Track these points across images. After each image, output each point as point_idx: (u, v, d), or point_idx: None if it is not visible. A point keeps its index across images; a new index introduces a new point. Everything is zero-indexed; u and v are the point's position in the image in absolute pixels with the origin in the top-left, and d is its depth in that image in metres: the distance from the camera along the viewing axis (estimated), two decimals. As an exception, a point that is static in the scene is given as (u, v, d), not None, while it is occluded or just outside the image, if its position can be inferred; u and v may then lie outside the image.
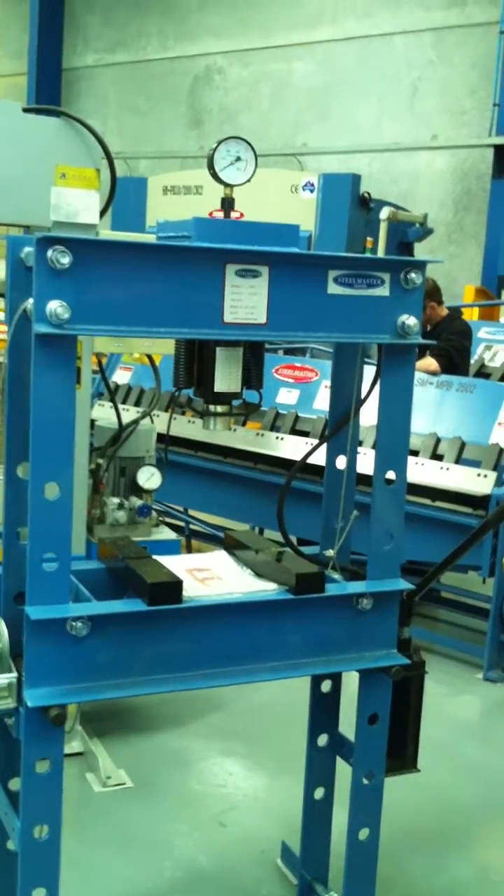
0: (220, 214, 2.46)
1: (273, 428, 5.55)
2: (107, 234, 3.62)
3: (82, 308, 2.09)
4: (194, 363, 2.47)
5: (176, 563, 2.56)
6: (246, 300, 2.27)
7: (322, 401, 5.47)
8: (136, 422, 4.05)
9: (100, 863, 3.19)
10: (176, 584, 2.35)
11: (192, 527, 6.57)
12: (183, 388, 2.49)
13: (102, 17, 14.92)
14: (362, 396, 2.74)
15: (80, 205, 3.16)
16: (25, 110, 3.45)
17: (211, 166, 2.39)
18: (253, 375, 2.53)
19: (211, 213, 5.46)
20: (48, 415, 2.12)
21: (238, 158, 2.42)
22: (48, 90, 14.73)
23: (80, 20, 15.12)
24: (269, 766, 3.93)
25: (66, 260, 2.05)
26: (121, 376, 6.40)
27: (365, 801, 2.71)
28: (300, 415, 5.53)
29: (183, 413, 5.69)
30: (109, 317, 2.14)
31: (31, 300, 2.10)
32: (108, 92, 14.87)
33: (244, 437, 5.52)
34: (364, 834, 2.72)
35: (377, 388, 2.54)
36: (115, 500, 3.88)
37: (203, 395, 2.51)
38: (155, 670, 2.34)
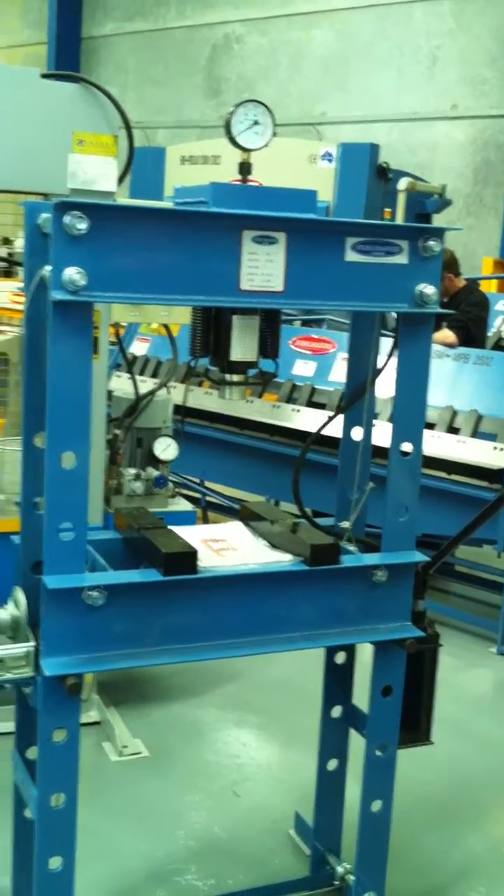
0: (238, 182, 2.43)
1: (289, 400, 5.53)
2: (124, 201, 3.59)
3: (99, 274, 2.06)
4: (210, 332, 2.45)
5: (191, 534, 2.55)
6: (262, 267, 2.24)
7: (338, 373, 5.43)
8: (152, 392, 4.03)
9: (115, 832, 3.21)
10: (191, 555, 2.34)
11: (207, 498, 6.57)
12: (199, 356, 2.47)
13: (122, -16, 14.79)
14: (379, 367, 2.72)
15: (97, 172, 3.14)
16: (44, 76, 3.42)
17: (228, 130, 2.36)
18: (269, 344, 2.50)
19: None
20: (65, 383, 2.10)
21: (256, 122, 2.38)
22: (67, 59, 14.62)
23: (97, -12, 14.99)
24: (283, 737, 3.94)
25: (82, 226, 2.03)
26: (138, 347, 6.37)
27: (378, 774, 2.71)
28: (316, 387, 5.50)
29: (199, 384, 5.67)
30: (126, 283, 2.12)
31: (47, 267, 2.08)
32: (127, 61, 14.75)
33: (260, 409, 5.50)
34: (377, 806, 2.72)
35: (394, 358, 2.52)
36: (132, 471, 3.87)
37: (219, 363, 2.49)
38: (170, 640, 2.33)
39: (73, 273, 2.04)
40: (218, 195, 2.25)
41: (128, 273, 2.11)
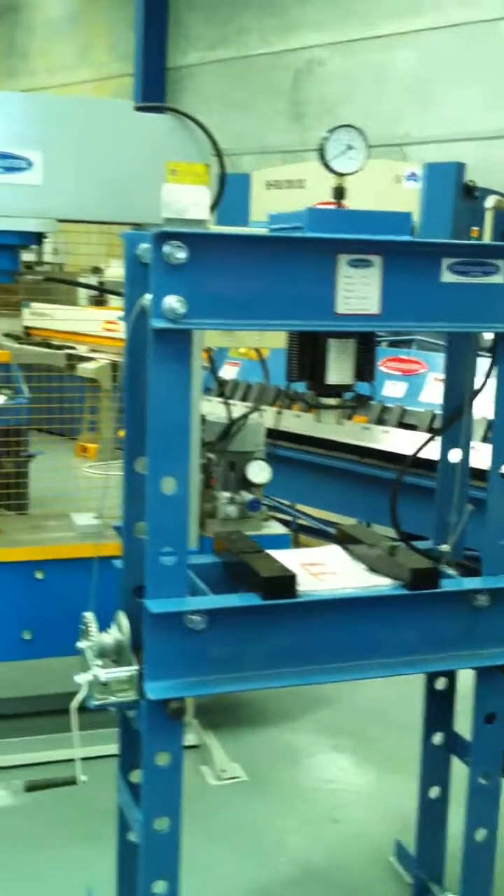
0: (326, 206, 2.44)
1: (379, 421, 5.50)
2: (218, 229, 3.63)
3: (198, 302, 2.09)
4: (306, 356, 2.45)
5: (289, 558, 2.55)
6: (359, 290, 2.24)
7: (429, 393, 5.38)
8: (245, 416, 4.05)
9: (215, 856, 3.21)
10: (290, 579, 2.34)
11: (298, 521, 6.56)
12: (295, 381, 2.48)
13: (205, 15, 14.99)
14: (476, 388, 2.69)
15: (190, 200, 3.16)
16: (137, 108, 3.49)
17: (322, 155, 2.37)
18: (365, 367, 2.50)
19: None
20: (165, 410, 2.13)
21: (349, 147, 2.39)
22: (153, 90, 14.88)
23: (183, 20, 15.23)
24: (379, 762, 3.89)
25: (182, 255, 2.06)
26: (227, 371, 6.42)
27: (482, 802, 2.65)
28: (407, 408, 5.46)
29: (289, 407, 5.68)
30: (224, 310, 2.14)
31: (147, 296, 2.11)
32: (211, 89, 14.94)
33: (350, 431, 5.48)
34: (481, 835, 2.67)
35: (492, 378, 2.49)
36: (226, 495, 3.89)
37: (315, 387, 2.49)
38: (270, 665, 2.33)
39: (172, 301, 2.06)
40: (314, 220, 2.26)
41: (226, 300, 2.14)
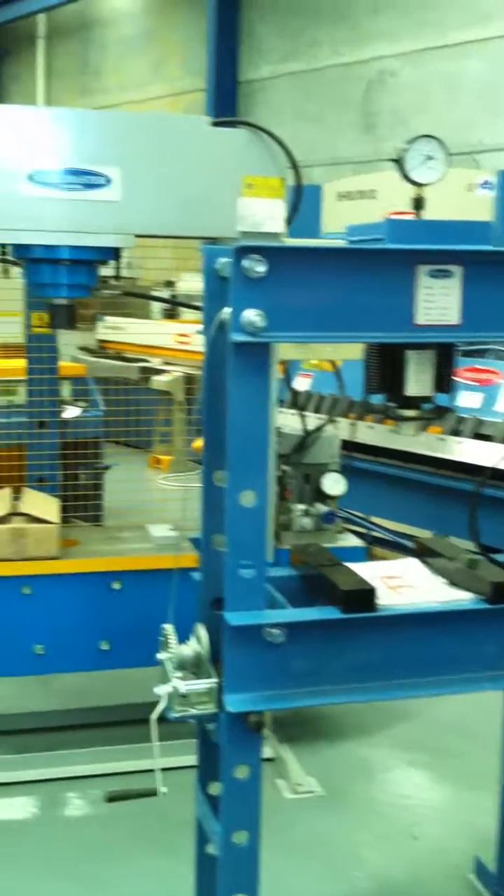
0: (399, 217, 2.43)
1: (454, 432, 5.43)
2: (293, 241, 3.64)
3: (277, 315, 2.09)
4: (385, 368, 2.44)
5: (367, 571, 2.53)
6: (438, 301, 2.22)
7: (506, 404, 5.31)
8: (319, 428, 4.04)
9: (291, 870, 3.20)
10: (370, 592, 2.32)
11: (373, 533, 6.52)
12: (374, 393, 2.46)
13: (277, 28, 15.08)
14: None
15: (265, 214, 3.17)
16: (214, 124, 3.52)
17: (402, 166, 2.36)
18: (443, 378, 2.47)
19: (385, 217, 5.37)
20: (245, 423, 2.13)
21: (429, 157, 2.38)
22: (225, 104, 15.01)
23: (255, 33, 15.34)
24: (456, 778, 3.84)
25: (261, 268, 2.07)
26: (299, 383, 6.41)
27: None
28: (483, 419, 5.39)
29: (362, 418, 5.65)
30: (303, 323, 2.14)
31: (226, 310, 2.12)
32: (282, 102, 15.01)
33: (425, 442, 5.43)
34: None
35: None
36: (301, 507, 3.89)
37: (394, 399, 2.48)
38: (349, 679, 2.31)
39: (252, 315, 2.07)
40: (394, 231, 2.25)
41: (305, 313, 2.14)
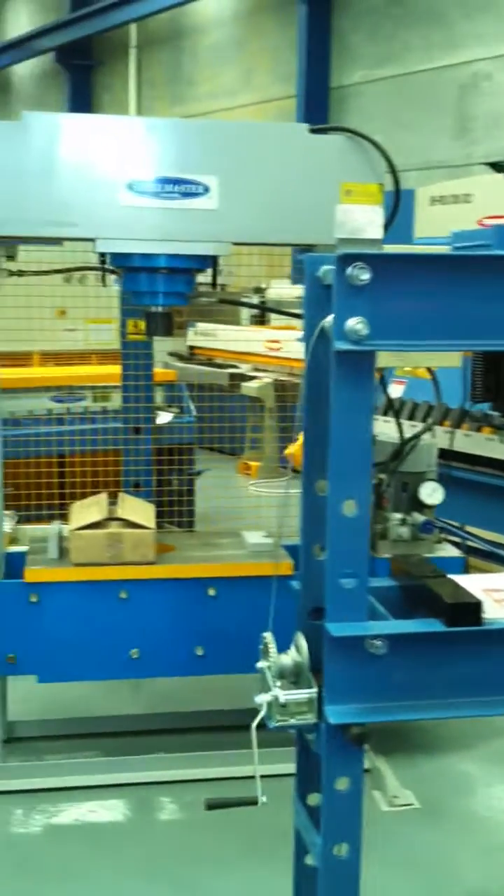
0: (492, 221, 2.38)
1: None
2: (392, 248, 3.61)
3: (380, 324, 2.06)
4: (491, 376, 2.40)
5: (471, 583, 2.48)
6: (547, 309, 2.17)
7: None
8: (417, 436, 4.00)
9: (390, 884, 3.16)
10: (476, 605, 2.27)
11: (469, 543, 6.41)
12: (479, 401, 2.43)
13: (368, 34, 15.03)
14: None
15: (364, 220, 3.14)
16: (312, 130, 3.51)
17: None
18: (551, 387, 2.42)
19: (480, 221, 5.33)
20: (347, 432, 2.11)
21: (537, 162, 2.33)
22: (316, 110, 15.01)
23: (346, 39, 15.31)
24: None
25: (365, 276, 2.04)
26: (393, 390, 6.36)
27: None
28: None
29: (457, 426, 5.57)
30: (407, 331, 2.11)
31: (329, 318, 2.11)
32: (375, 107, 14.95)
33: (522, 451, 5.32)
34: None
35: None
36: (398, 516, 3.85)
37: (499, 408, 2.43)
38: (452, 694, 2.27)
39: (355, 323, 2.05)
40: (502, 238, 2.21)
41: (409, 321, 2.10)
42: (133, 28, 18.35)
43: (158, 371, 7.00)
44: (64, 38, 18.12)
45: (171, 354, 11.38)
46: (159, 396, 6.96)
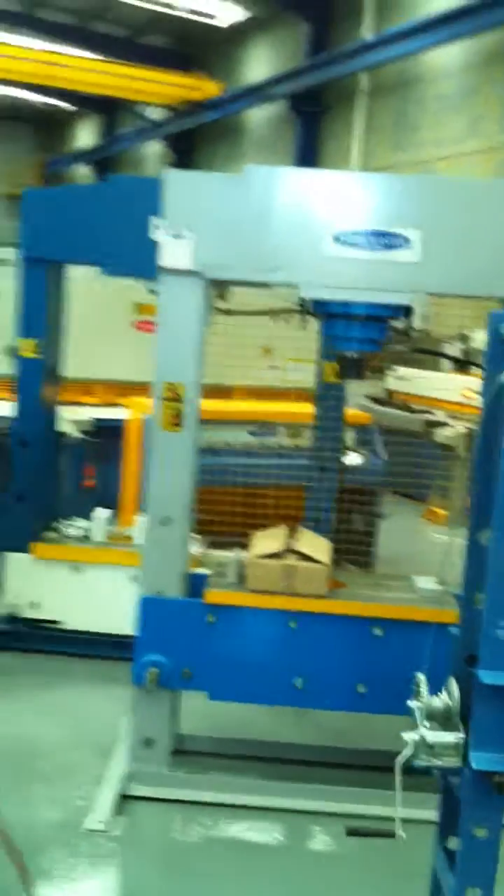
0: None
1: None
2: None
3: None
4: None
5: None
6: None
7: None
8: None
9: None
10: None
11: None
12: None
13: None
14: None
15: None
16: None
17: None
18: None
19: None
20: (515, 485, 2.18)
21: None
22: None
23: None
24: None
25: (544, 338, 2.12)
26: None
27: None
28: None
29: None
30: None
31: (505, 375, 2.19)
32: None
33: None
34: None
35: None
36: None
37: None
38: None
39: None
40: None
41: None
42: (364, 76, 18.72)
43: (352, 413, 7.14)
44: (297, 86, 18.72)
45: (369, 397, 11.49)
46: (351, 438, 7.09)
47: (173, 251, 3.64)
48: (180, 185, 3.70)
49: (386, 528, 6.95)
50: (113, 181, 4.99)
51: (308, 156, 18.97)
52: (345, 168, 17.46)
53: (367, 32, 17.47)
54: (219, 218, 3.68)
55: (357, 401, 9.90)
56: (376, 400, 11.56)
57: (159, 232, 3.67)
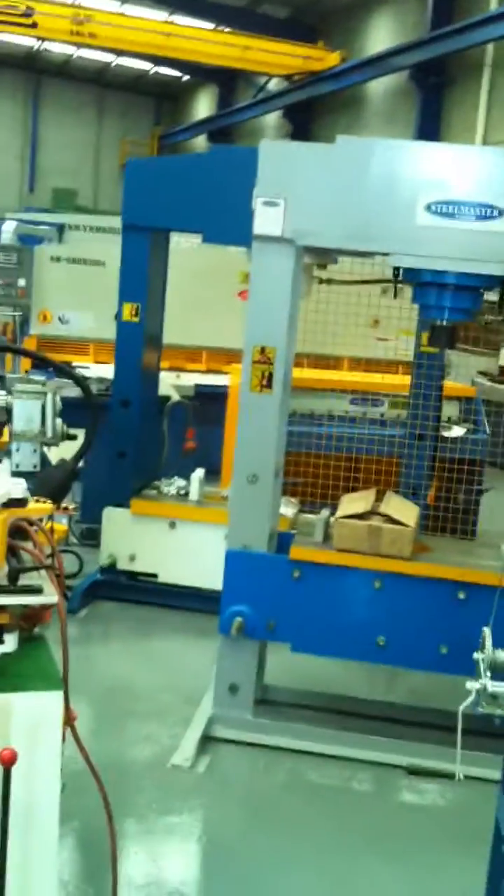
0: None
1: None
2: None
3: None
4: None
5: None
6: None
7: None
8: None
9: None
10: None
11: None
12: None
13: None
14: None
15: None
16: None
17: None
18: None
19: None
20: None
21: None
22: None
23: None
24: None
25: None
26: None
27: None
28: None
29: None
30: None
31: None
32: None
33: None
34: None
35: None
36: None
37: None
38: None
39: None
40: None
41: None
42: (490, 48, 18.33)
43: (457, 386, 7.14)
44: (420, 57, 18.42)
45: (482, 373, 11.40)
46: (455, 410, 7.09)
47: (266, 218, 3.78)
48: (274, 155, 3.83)
49: (488, 501, 6.94)
50: (213, 151, 5.16)
51: (429, 128, 18.69)
52: (469, 142, 17.17)
53: (493, 3, 17.13)
54: (311, 187, 3.80)
55: (469, 375, 9.85)
56: (489, 375, 11.47)
57: (256, 200, 3.80)
